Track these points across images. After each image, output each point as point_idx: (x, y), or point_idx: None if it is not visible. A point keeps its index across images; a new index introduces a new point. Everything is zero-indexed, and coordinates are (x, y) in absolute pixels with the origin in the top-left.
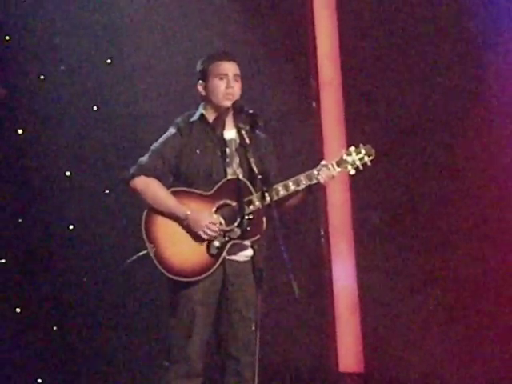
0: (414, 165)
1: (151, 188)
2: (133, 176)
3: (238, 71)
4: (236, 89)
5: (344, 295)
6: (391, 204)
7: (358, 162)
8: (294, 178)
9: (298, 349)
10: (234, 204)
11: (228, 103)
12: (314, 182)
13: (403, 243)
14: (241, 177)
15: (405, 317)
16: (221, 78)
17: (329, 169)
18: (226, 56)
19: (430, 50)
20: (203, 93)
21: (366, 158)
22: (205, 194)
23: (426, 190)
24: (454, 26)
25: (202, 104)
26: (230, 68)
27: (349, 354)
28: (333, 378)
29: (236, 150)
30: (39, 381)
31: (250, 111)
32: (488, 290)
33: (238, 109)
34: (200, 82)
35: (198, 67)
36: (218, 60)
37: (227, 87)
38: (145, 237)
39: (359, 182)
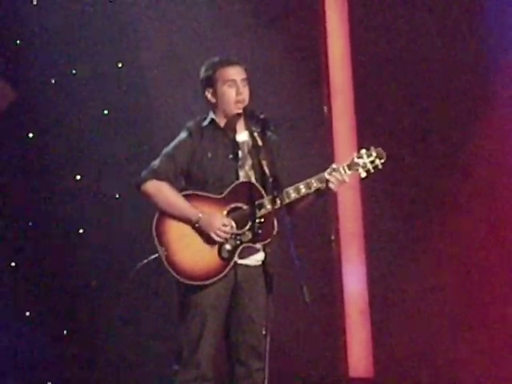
0: (425, 170)
1: (163, 192)
2: (145, 180)
3: (244, 75)
4: (245, 94)
5: (354, 301)
6: (402, 209)
7: (369, 165)
8: (305, 181)
9: (308, 354)
10: (246, 207)
11: (239, 110)
12: (325, 185)
13: (414, 248)
14: (253, 179)
15: (415, 322)
16: (229, 85)
17: (340, 172)
18: (231, 61)
19: (442, 55)
20: (213, 100)
21: (378, 161)
22: (216, 197)
23: (438, 194)
24: (466, 28)
25: (212, 110)
26: (237, 73)
27: (359, 359)
28: (343, 383)
29: (248, 152)
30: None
31: (261, 116)
32: (501, 294)
33: (248, 113)
34: (208, 89)
35: (203, 74)
36: (223, 66)
37: (237, 94)
38: (156, 240)
39: (370, 187)
